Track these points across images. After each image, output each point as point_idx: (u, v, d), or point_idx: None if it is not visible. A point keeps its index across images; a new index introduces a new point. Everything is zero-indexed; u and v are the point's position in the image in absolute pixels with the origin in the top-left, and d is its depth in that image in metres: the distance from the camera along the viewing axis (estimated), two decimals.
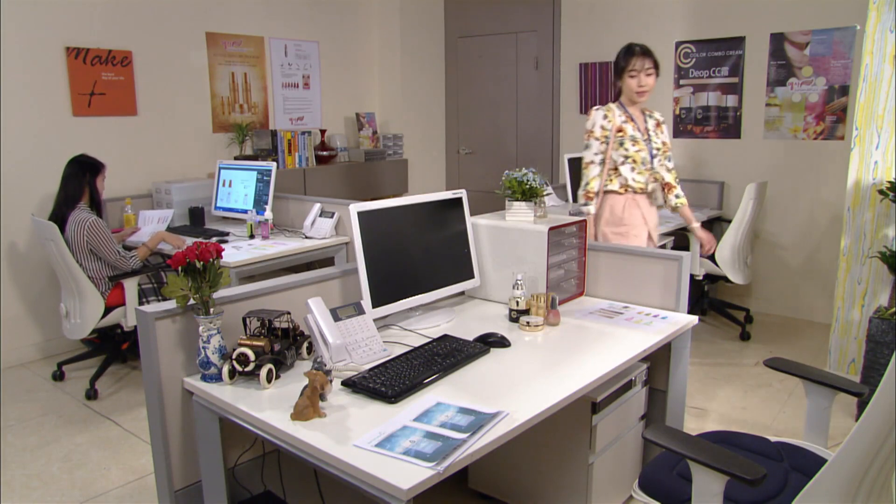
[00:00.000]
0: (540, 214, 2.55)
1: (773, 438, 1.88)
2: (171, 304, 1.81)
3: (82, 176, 3.52)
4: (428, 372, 1.80)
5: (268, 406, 1.67)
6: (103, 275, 3.46)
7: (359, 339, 1.97)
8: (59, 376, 3.76)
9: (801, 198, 4.70)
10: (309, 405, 1.57)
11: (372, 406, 1.65)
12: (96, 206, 3.56)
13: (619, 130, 3.04)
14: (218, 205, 4.37)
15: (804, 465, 1.76)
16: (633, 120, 3.07)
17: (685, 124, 5.11)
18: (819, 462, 1.78)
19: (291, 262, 3.66)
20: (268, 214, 3.94)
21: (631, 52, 3.02)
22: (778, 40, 4.63)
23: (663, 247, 3.91)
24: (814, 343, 4.21)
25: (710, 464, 1.46)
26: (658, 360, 2.39)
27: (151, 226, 3.99)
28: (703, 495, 1.49)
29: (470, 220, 2.48)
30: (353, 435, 1.49)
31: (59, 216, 3.45)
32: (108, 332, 3.69)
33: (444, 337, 2.08)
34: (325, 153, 5.36)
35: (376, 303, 2.12)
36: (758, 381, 3.59)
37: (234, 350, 1.78)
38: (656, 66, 3.02)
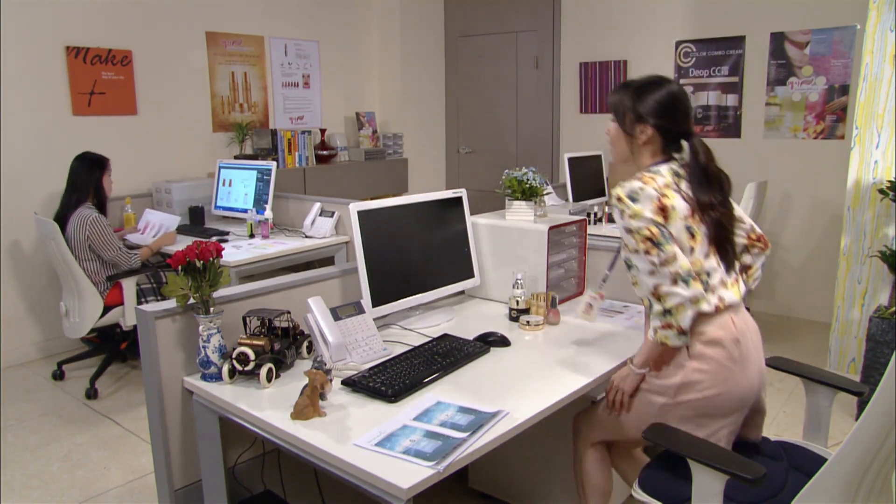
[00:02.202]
0: (540, 214, 2.55)
1: (772, 438, 1.88)
2: (171, 304, 1.81)
3: (89, 173, 3.51)
4: (428, 371, 1.80)
5: (268, 405, 1.66)
6: (101, 276, 3.46)
7: (359, 338, 1.97)
8: (59, 376, 3.76)
9: (801, 197, 4.70)
10: (309, 404, 1.57)
11: (372, 405, 1.65)
12: (101, 204, 3.56)
13: None
14: (218, 204, 4.37)
15: (804, 464, 1.76)
16: None
17: None
18: (819, 461, 1.77)
19: (291, 261, 3.66)
20: (268, 214, 3.94)
21: None
22: (778, 40, 4.62)
23: None
24: (814, 342, 4.20)
25: (710, 463, 1.46)
26: None
27: (152, 231, 3.92)
28: (704, 494, 1.49)
29: (470, 219, 2.48)
30: (353, 434, 1.49)
31: (65, 213, 3.45)
32: (108, 332, 3.69)
33: (444, 336, 2.08)
34: (325, 152, 5.36)
35: (376, 302, 2.11)
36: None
37: (234, 349, 1.78)
38: (616, 113, 1.85)
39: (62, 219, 3.43)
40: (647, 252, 1.65)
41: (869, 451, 1.31)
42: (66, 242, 3.35)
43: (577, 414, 1.99)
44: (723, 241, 1.75)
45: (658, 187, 1.70)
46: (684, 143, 1.79)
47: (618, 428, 1.86)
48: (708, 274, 1.70)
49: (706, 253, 1.72)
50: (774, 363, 1.95)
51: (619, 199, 1.70)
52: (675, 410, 1.71)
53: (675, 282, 1.64)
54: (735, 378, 1.68)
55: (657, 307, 1.67)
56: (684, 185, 1.75)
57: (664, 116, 1.76)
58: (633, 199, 1.69)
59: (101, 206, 3.55)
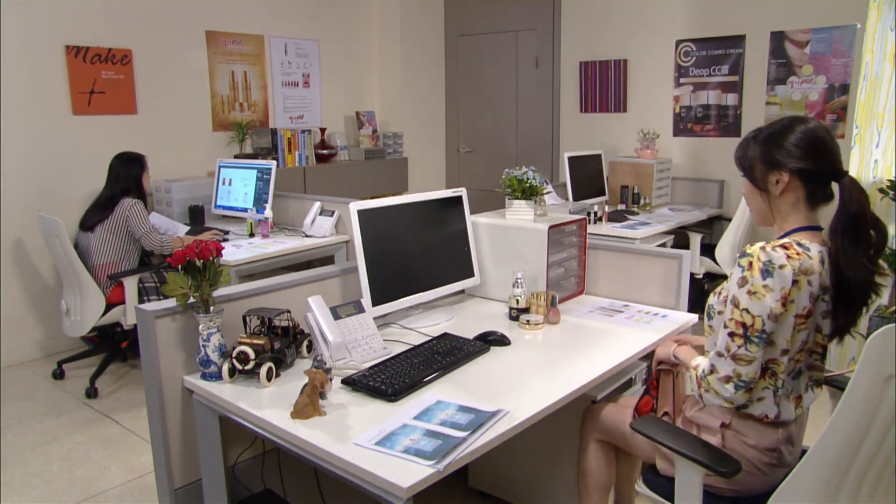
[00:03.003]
0: (540, 213, 2.55)
1: None
2: (171, 303, 1.81)
3: (129, 170, 3.67)
4: (428, 370, 1.80)
5: (268, 404, 1.66)
6: (117, 269, 3.50)
7: (359, 337, 1.97)
8: (59, 375, 3.76)
9: None
10: (309, 403, 1.57)
11: (372, 404, 1.65)
12: (143, 200, 3.69)
13: None
14: (218, 203, 4.37)
15: None
16: None
17: (685, 123, 5.11)
18: None
19: (291, 260, 3.66)
20: (268, 213, 3.94)
21: None
22: (778, 39, 4.62)
23: (663, 245, 3.90)
24: None
25: (688, 454, 1.48)
26: None
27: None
28: (684, 486, 1.52)
29: (470, 218, 2.48)
30: (354, 433, 1.49)
31: (99, 207, 3.56)
32: (108, 331, 3.69)
33: (444, 335, 2.08)
34: (325, 152, 5.36)
35: (376, 301, 2.11)
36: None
37: (234, 348, 1.78)
38: (743, 168, 1.66)
39: (92, 215, 3.57)
40: (731, 335, 1.49)
41: (849, 445, 1.31)
42: (94, 235, 3.51)
43: (586, 408, 1.98)
44: (841, 310, 1.52)
45: (801, 270, 1.47)
46: (835, 188, 1.53)
47: (623, 440, 1.85)
48: (783, 382, 1.54)
49: (793, 358, 1.54)
50: None
51: (750, 266, 1.47)
52: None
53: (728, 380, 1.50)
54: (762, 479, 1.59)
55: (709, 368, 1.54)
56: (825, 271, 1.52)
57: (803, 158, 1.52)
58: (765, 274, 1.45)
59: (143, 202, 3.68)
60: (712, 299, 1.63)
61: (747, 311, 1.47)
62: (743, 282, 1.48)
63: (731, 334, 1.50)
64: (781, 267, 1.45)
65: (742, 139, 1.65)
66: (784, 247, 1.49)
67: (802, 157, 1.52)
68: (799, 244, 1.51)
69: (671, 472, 1.63)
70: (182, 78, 4.70)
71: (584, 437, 1.96)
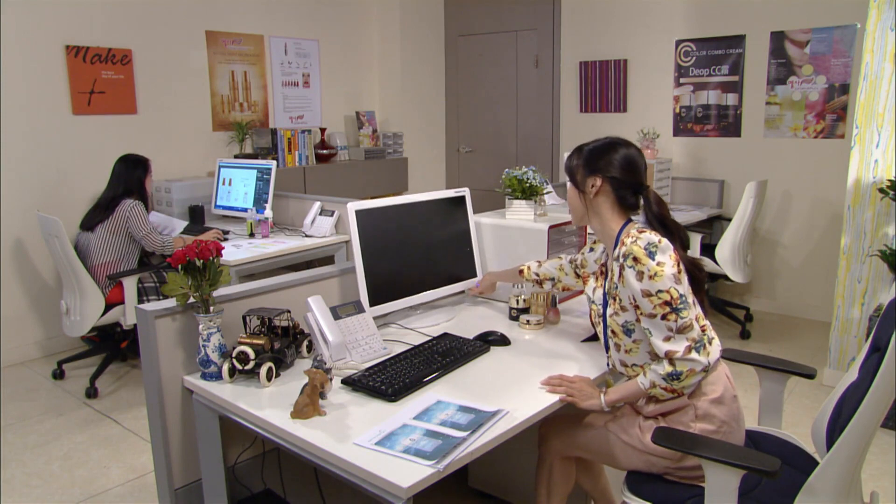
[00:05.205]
0: (540, 213, 2.55)
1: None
2: (171, 303, 1.81)
3: (132, 172, 3.68)
4: (428, 370, 1.80)
5: (268, 404, 1.67)
6: (115, 269, 3.50)
7: (358, 337, 1.97)
8: (59, 374, 3.76)
9: (802, 196, 4.70)
10: (309, 403, 1.57)
11: (372, 404, 1.65)
12: (144, 203, 3.69)
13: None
14: (218, 203, 4.37)
15: (771, 448, 1.82)
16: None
17: (685, 123, 5.11)
18: (781, 444, 1.85)
19: (291, 260, 3.66)
20: (268, 213, 3.94)
21: None
22: (778, 38, 4.62)
23: None
24: (814, 341, 4.20)
25: (726, 460, 1.46)
26: None
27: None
28: (720, 491, 1.49)
29: (473, 218, 2.48)
30: (353, 433, 1.49)
31: (110, 206, 3.56)
32: (108, 331, 3.69)
33: (444, 335, 2.08)
34: (325, 152, 5.36)
35: (373, 301, 2.11)
36: (757, 380, 3.57)
37: (234, 348, 1.78)
38: (568, 173, 1.86)
39: (93, 215, 3.57)
40: (664, 317, 1.59)
41: (876, 417, 1.36)
42: (94, 235, 3.52)
43: (544, 421, 1.81)
44: (699, 291, 1.70)
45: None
46: (640, 198, 1.77)
47: (611, 461, 1.81)
48: (708, 325, 1.67)
49: (697, 302, 1.69)
50: (727, 355, 1.99)
51: (636, 259, 1.60)
52: (677, 472, 1.70)
53: (689, 350, 1.59)
54: (733, 436, 1.68)
55: (663, 369, 1.61)
56: None
57: (618, 169, 1.75)
58: (651, 254, 1.60)
59: (144, 205, 3.69)
60: (617, 320, 1.72)
61: (660, 290, 1.58)
62: (640, 275, 1.60)
63: (663, 316, 1.59)
64: (659, 241, 1.62)
65: (571, 151, 1.85)
66: (639, 231, 1.67)
67: (618, 168, 1.75)
68: (634, 227, 1.72)
69: (676, 475, 1.67)
70: (182, 78, 4.70)
71: (548, 454, 1.94)
